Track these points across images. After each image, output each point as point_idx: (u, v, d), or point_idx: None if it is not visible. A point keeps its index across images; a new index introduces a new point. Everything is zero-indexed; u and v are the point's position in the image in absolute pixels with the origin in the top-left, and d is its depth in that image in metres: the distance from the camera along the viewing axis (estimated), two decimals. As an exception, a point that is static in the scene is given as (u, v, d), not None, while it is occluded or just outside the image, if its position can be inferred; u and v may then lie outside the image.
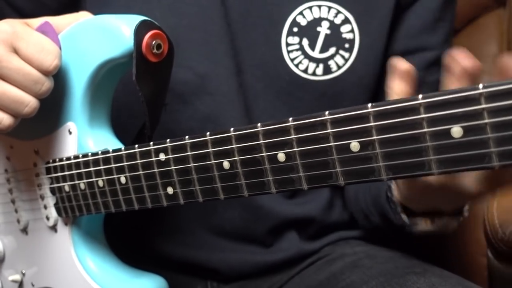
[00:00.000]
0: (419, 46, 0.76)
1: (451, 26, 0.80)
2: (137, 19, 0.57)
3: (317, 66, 0.72)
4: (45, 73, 0.58)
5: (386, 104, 0.41)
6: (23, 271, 0.72)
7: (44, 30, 0.60)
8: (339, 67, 0.73)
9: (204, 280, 0.77)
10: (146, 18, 0.57)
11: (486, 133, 0.37)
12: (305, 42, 0.72)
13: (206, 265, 0.75)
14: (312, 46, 0.72)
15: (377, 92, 0.76)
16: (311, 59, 0.72)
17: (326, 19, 0.72)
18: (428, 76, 0.77)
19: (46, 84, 0.58)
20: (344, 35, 0.73)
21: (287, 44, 0.72)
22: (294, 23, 0.72)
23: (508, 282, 0.73)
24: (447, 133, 0.38)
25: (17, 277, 0.72)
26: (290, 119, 0.45)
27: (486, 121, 0.37)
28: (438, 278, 0.62)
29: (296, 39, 0.72)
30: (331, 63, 0.72)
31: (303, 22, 0.72)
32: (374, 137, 0.41)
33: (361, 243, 0.77)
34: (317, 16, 0.72)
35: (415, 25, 0.76)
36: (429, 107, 0.39)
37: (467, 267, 0.85)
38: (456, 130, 0.38)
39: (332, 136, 0.43)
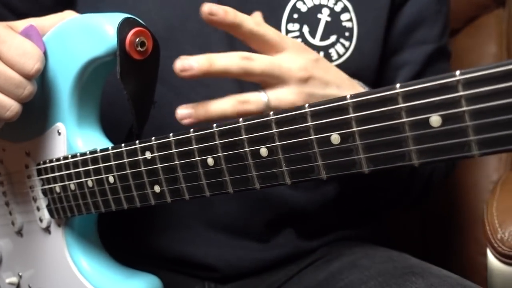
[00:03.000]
0: (419, 39, 0.76)
1: (448, 18, 0.80)
2: (120, 17, 0.57)
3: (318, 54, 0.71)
4: (27, 77, 0.57)
5: (365, 94, 0.40)
6: (20, 273, 0.72)
7: (28, 33, 0.60)
8: (339, 56, 0.72)
9: (202, 281, 0.77)
10: (130, 16, 0.57)
11: (464, 122, 0.36)
12: (305, 29, 0.71)
13: (202, 262, 0.74)
14: (313, 33, 0.71)
15: (375, 86, 0.75)
16: (312, 46, 0.70)
17: (326, 6, 0.71)
18: (430, 67, 0.76)
19: (28, 88, 0.58)
20: (344, 23, 0.72)
21: (287, 31, 0.71)
22: (294, 9, 0.71)
23: (508, 282, 0.71)
24: (426, 123, 0.38)
25: (14, 279, 0.73)
26: (271, 113, 0.45)
27: (464, 108, 0.36)
28: (437, 278, 0.61)
29: (296, 26, 0.71)
30: (332, 51, 0.72)
31: (303, 8, 0.71)
32: (354, 129, 0.41)
33: (359, 243, 0.77)
34: (317, 2, 0.71)
35: (414, 19, 0.75)
36: (407, 96, 0.38)
37: (467, 267, 0.85)
38: (435, 119, 0.37)
39: (313, 129, 0.43)
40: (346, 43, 0.72)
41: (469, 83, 0.36)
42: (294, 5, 0.71)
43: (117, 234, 0.75)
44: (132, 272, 0.66)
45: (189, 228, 0.75)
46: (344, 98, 0.41)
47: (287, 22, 0.71)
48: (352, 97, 0.41)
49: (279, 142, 0.45)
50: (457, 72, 0.36)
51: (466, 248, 0.86)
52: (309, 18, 0.71)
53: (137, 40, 0.56)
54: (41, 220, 0.67)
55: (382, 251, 0.73)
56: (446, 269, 0.65)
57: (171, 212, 0.75)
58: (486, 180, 0.88)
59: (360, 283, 0.65)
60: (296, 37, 0.71)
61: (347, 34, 0.72)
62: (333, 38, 0.72)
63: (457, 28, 1.03)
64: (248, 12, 0.72)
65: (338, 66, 0.72)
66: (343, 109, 0.41)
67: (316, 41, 0.71)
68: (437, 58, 0.77)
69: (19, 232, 0.71)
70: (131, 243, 0.78)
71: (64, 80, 0.61)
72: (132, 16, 0.57)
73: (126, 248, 0.76)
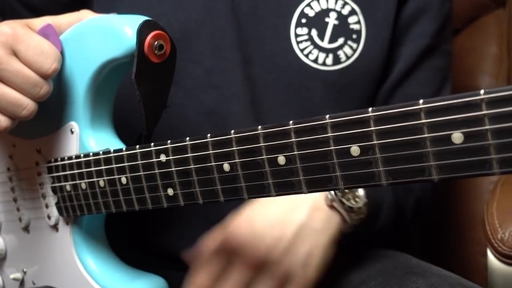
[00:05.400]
0: (416, 33, 0.77)
1: (448, 19, 0.80)
2: (140, 19, 0.57)
3: (327, 56, 0.73)
4: (44, 76, 0.58)
5: (387, 109, 0.40)
6: (24, 270, 0.72)
7: (46, 32, 0.60)
8: (348, 57, 0.74)
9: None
10: (150, 19, 0.57)
11: (487, 140, 0.37)
12: (314, 32, 0.73)
13: None
14: (321, 36, 0.73)
15: (383, 85, 0.77)
16: (321, 49, 0.73)
17: (334, 10, 0.73)
18: (423, 62, 0.77)
19: (45, 87, 0.58)
20: (351, 26, 0.74)
21: (296, 35, 0.73)
22: (302, 14, 0.73)
23: (508, 282, 0.73)
24: (447, 139, 0.38)
25: (18, 275, 0.73)
26: (291, 122, 0.45)
27: (487, 127, 0.37)
28: (437, 278, 0.62)
29: (305, 30, 0.73)
30: (340, 53, 0.73)
31: (311, 13, 0.73)
32: (375, 142, 0.41)
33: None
34: (324, 7, 0.73)
35: (414, 13, 0.77)
36: (430, 112, 0.39)
37: (467, 267, 0.86)
38: (457, 136, 0.38)
39: (333, 140, 0.43)
40: (354, 45, 0.74)
41: (493, 102, 0.36)
42: (302, 10, 0.73)
43: (121, 232, 0.76)
44: (138, 272, 0.67)
45: (191, 226, 0.75)
46: (366, 111, 0.41)
47: (296, 26, 0.73)
48: (374, 110, 0.41)
49: (298, 151, 0.45)
50: (482, 91, 0.37)
51: (466, 248, 0.87)
52: (317, 22, 0.73)
53: (156, 43, 0.56)
54: (49, 218, 0.67)
55: (382, 251, 0.73)
56: (447, 269, 0.66)
57: (174, 211, 0.75)
58: (486, 180, 0.89)
59: (360, 282, 0.65)
60: (305, 40, 0.73)
61: (354, 36, 0.74)
62: (341, 40, 0.73)
63: (458, 29, 1.03)
64: (258, 18, 0.73)
65: (347, 67, 0.74)
66: (364, 122, 0.41)
67: (325, 44, 0.73)
68: (430, 54, 0.79)
69: (26, 229, 0.71)
70: (135, 240, 0.79)
71: (80, 80, 0.61)
72: (152, 19, 0.57)
73: (130, 246, 0.76)
